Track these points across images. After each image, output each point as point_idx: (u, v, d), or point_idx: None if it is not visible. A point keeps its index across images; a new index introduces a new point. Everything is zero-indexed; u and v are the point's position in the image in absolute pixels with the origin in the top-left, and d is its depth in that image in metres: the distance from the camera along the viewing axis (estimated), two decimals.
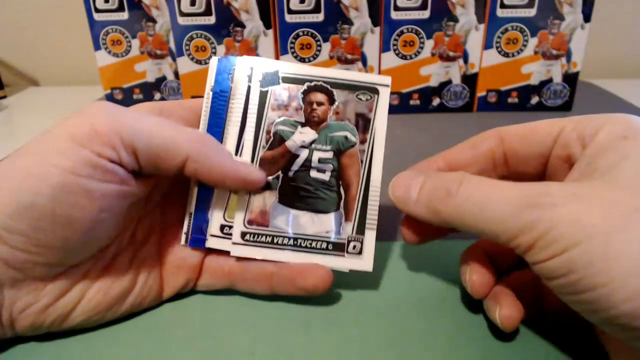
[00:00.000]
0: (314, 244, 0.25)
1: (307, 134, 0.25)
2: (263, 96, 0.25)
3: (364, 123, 0.25)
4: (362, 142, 0.25)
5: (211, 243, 0.25)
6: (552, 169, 0.23)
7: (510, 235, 0.19)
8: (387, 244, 0.30)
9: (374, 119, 0.25)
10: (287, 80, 0.25)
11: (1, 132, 0.54)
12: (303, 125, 0.25)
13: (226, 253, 0.25)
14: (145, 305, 0.24)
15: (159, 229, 0.26)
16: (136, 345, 0.23)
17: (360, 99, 0.25)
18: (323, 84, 0.25)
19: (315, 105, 0.25)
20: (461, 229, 0.21)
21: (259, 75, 0.25)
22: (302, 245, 0.25)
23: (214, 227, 0.25)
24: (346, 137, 0.25)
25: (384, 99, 0.25)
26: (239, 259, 0.25)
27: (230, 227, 0.25)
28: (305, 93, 0.25)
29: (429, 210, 0.22)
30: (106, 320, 0.23)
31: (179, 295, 0.25)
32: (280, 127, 0.25)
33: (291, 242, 0.25)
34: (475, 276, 0.23)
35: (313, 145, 0.25)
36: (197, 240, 0.25)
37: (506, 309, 0.22)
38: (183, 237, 0.25)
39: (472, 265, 0.23)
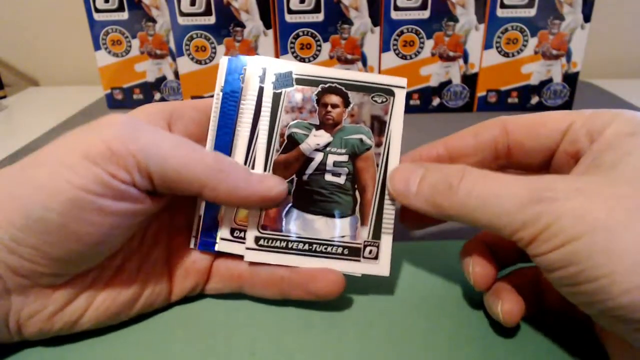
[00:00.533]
0: (329, 249, 0.24)
1: (321, 137, 0.25)
2: (276, 98, 0.25)
3: (379, 125, 0.25)
4: (378, 145, 0.25)
5: (221, 246, 0.24)
6: (557, 163, 0.23)
7: (513, 229, 0.19)
8: None
9: (389, 122, 0.25)
10: (301, 81, 0.25)
11: (1, 132, 0.54)
12: (317, 128, 0.25)
13: (236, 257, 0.25)
14: (154, 308, 0.24)
15: (168, 233, 0.25)
16: (137, 345, 0.23)
17: (376, 101, 0.25)
18: (338, 85, 0.25)
19: (329, 108, 0.25)
20: (462, 222, 0.21)
21: (272, 76, 0.25)
22: (317, 250, 0.24)
23: (224, 230, 0.24)
24: (361, 140, 0.25)
25: (399, 101, 0.25)
26: (249, 263, 0.24)
27: (241, 230, 0.24)
28: (320, 95, 0.25)
29: (429, 204, 0.22)
30: (115, 324, 0.23)
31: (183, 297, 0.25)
32: (294, 130, 0.25)
33: (306, 247, 0.24)
34: (478, 268, 0.23)
35: (328, 149, 0.25)
36: (207, 244, 0.25)
37: (508, 304, 0.22)
38: (192, 240, 0.25)
39: (474, 257, 0.23)
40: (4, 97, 0.65)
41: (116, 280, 0.23)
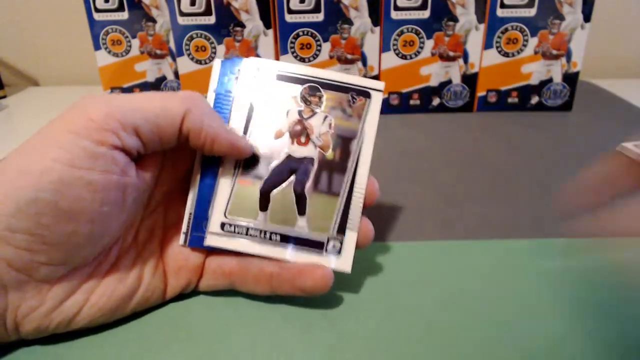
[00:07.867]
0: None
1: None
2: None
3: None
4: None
5: (211, 241, 0.25)
6: None
7: None
8: (387, 245, 0.30)
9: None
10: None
11: (1, 132, 0.54)
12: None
13: (227, 253, 0.25)
14: (149, 305, 0.24)
15: (161, 230, 0.26)
16: (136, 345, 0.23)
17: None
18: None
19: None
20: None
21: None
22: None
23: (214, 224, 0.25)
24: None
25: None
26: (239, 259, 0.25)
27: (232, 224, 0.25)
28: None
29: None
30: (111, 321, 0.23)
31: (180, 295, 0.25)
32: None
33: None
34: None
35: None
36: (196, 239, 0.25)
37: None
38: (182, 237, 0.25)
39: None
40: (4, 97, 0.65)
41: (111, 276, 0.23)
